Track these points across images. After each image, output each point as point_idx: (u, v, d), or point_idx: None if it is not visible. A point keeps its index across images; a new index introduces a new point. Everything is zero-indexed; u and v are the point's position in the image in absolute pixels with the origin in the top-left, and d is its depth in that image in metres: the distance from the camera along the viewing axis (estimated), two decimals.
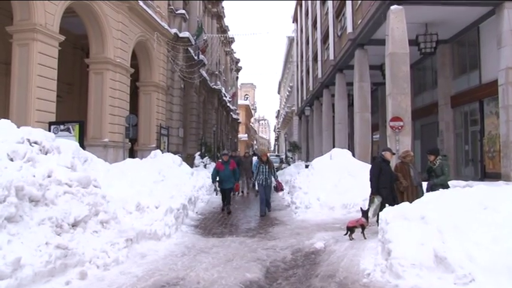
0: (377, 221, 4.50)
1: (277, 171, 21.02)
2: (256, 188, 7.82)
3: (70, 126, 8.45)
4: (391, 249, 3.23)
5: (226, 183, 7.03)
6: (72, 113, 12.74)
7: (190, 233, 5.29)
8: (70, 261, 3.14)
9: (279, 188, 7.36)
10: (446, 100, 10.92)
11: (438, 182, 4.89)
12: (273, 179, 7.21)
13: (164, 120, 14.79)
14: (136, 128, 11.68)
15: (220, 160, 7.26)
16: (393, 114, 8.37)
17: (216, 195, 7.57)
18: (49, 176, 3.64)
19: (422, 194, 4.70)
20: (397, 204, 4.01)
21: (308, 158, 18.57)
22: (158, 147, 13.20)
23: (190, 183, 8.49)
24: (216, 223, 6.14)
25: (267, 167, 7.02)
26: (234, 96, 39.15)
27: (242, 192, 9.05)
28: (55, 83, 8.44)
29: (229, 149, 23.73)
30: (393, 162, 6.63)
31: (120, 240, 3.81)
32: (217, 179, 7.09)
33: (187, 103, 18.19)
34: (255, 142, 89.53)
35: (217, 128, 27.12)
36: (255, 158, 9.82)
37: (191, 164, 12.99)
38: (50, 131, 7.70)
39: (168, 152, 11.88)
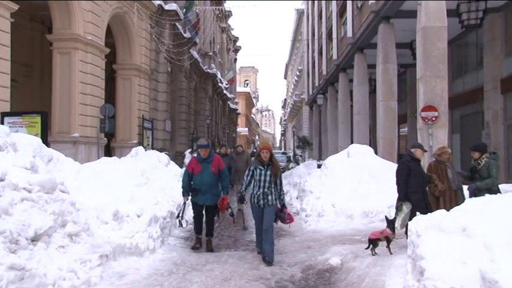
0: (406, 232, 4.47)
1: (283, 172, 20.25)
2: (245, 205, 5.26)
3: (29, 119, 8.36)
4: (424, 268, 3.17)
5: (204, 196, 4.94)
6: (32, 101, 12.71)
7: (179, 247, 5.29)
8: (28, 286, 3.08)
9: (286, 218, 4.73)
10: (495, 84, 10.64)
11: (483, 186, 4.86)
12: (274, 196, 4.60)
13: (148, 111, 14.78)
14: (113, 121, 11.62)
15: (195, 156, 5.09)
16: (425, 103, 8.31)
17: (181, 226, 5.15)
18: (1, 180, 3.59)
19: (464, 200, 4.68)
20: (431, 212, 3.94)
21: (321, 156, 18.59)
22: (140, 143, 13.23)
23: (180, 186, 8.46)
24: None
25: (268, 172, 4.48)
26: (232, 82, 39.17)
27: (232, 214, 5.31)
28: (8, 64, 8.28)
29: (221, 143, 23.55)
30: (425, 161, 6.54)
31: (92, 257, 3.80)
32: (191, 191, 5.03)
33: (175, 90, 18.21)
34: (257, 137, 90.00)
35: (212, 120, 27.19)
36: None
37: (180, 164, 12.98)
38: (2, 123, 7.65)
39: (153, 149, 11.88)
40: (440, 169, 5.00)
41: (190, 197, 5.13)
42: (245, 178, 4.66)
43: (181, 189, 5.12)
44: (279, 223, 4.86)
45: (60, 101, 10.55)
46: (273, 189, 4.57)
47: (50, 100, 10.70)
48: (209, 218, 5.25)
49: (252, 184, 4.62)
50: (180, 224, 5.09)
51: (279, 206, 4.69)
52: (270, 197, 4.53)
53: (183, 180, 5.14)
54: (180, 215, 5.10)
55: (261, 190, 4.54)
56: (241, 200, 4.90)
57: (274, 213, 4.62)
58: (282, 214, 4.67)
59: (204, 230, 5.28)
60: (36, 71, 13.74)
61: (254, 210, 4.66)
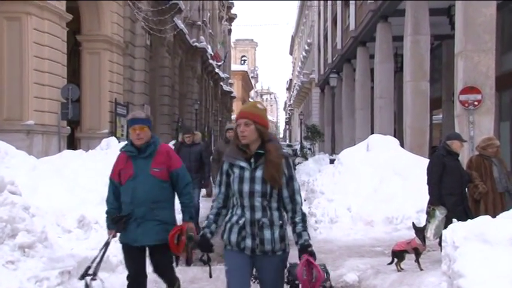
0: (440, 243, 4.53)
1: None
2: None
3: None
4: None
5: (140, 228, 3.16)
6: None
7: None
8: None
9: (310, 279, 2.46)
10: None
11: None
12: (277, 230, 2.53)
13: (122, 94, 14.73)
14: (78, 105, 11.60)
15: (124, 150, 3.34)
16: (466, 83, 8.24)
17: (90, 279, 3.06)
18: None
19: None
20: (471, 218, 3.96)
21: (334, 149, 18.54)
22: (113, 133, 13.21)
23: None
24: None
25: (258, 174, 2.47)
26: (218, 58, 38.88)
27: (205, 260, 2.62)
28: None
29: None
30: (464, 155, 6.48)
31: (51, 274, 3.76)
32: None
33: (155, 68, 18.15)
34: None
35: (201, 105, 27.15)
36: None
37: None
38: None
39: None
40: (483, 166, 4.99)
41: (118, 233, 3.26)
42: (214, 189, 2.66)
43: (106, 215, 3.35)
44: None
45: (8, 80, 10.41)
46: (274, 212, 2.48)
47: None
48: (161, 269, 3.36)
49: (231, 201, 2.56)
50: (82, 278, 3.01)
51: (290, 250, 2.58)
52: (267, 232, 2.45)
53: (106, 200, 3.36)
54: (91, 271, 3.00)
55: (247, 215, 2.45)
56: (203, 246, 2.58)
57: (281, 274, 2.58)
58: (302, 271, 2.44)
59: None
60: None
61: (231, 261, 2.54)
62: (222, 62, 35.13)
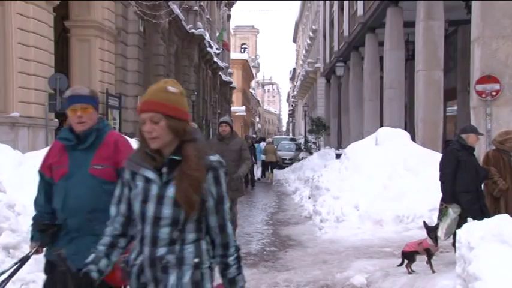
0: (453, 244, 4.53)
1: (291, 164, 19.83)
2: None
3: None
4: None
5: (72, 244, 2.44)
6: None
7: None
8: None
9: None
10: None
11: None
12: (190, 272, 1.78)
13: (113, 84, 14.69)
14: None
15: (58, 138, 2.67)
16: (482, 72, 8.18)
17: None
18: None
19: None
20: (488, 217, 3.96)
21: (340, 143, 18.59)
22: None
23: None
24: None
25: (169, 192, 1.80)
26: (226, 47, 38.77)
27: None
28: None
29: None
30: (481, 150, 6.44)
31: (38, 277, 3.71)
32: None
33: (150, 57, 18.08)
34: (257, 119, 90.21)
35: (199, 96, 27.11)
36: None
37: None
38: None
39: (121, 133, 11.83)
40: (502, 161, 4.99)
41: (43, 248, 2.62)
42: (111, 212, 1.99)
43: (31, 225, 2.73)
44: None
45: None
46: (187, 247, 1.82)
47: None
48: None
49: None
50: None
51: None
52: (172, 277, 1.80)
53: (34, 202, 2.72)
54: None
55: (145, 252, 1.84)
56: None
57: None
58: None
59: None
60: None
61: None
62: (222, 50, 35.05)
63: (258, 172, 16.58)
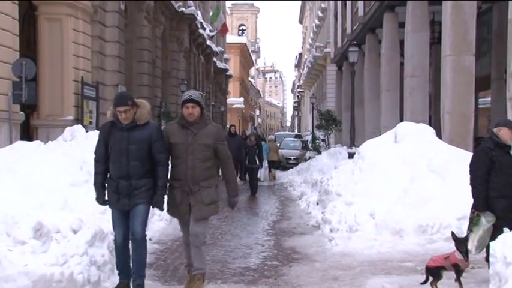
0: (486, 258, 4.55)
1: (296, 164, 19.97)
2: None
3: None
4: None
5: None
6: None
7: None
8: None
9: None
10: None
11: None
12: None
13: (90, 72, 14.68)
14: (35, 85, 11.46)
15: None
16: None
17: None
18: None
19: None
20: None
21: (354, 141, 18.59)
22: (79, 120, 13.20)
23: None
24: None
25: None
26: (224, 31, 38.74)
27: None
28: None
29: None
30: None
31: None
32: None
33: (132, 39, 18.18)
34: (258, 112, 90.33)
35: (189, 85, 27.10)
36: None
37: None
38: None
39: (98, 129, 11.87)
40: None
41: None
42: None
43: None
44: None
45: None
46: None
47: None
48: None
49: None
50: None
51: None
52: None
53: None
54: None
55: None
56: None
57: None
58: None
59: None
60: None
61: None
62: (216, 32, 35.06)
63: (261, 175, 16.57)
